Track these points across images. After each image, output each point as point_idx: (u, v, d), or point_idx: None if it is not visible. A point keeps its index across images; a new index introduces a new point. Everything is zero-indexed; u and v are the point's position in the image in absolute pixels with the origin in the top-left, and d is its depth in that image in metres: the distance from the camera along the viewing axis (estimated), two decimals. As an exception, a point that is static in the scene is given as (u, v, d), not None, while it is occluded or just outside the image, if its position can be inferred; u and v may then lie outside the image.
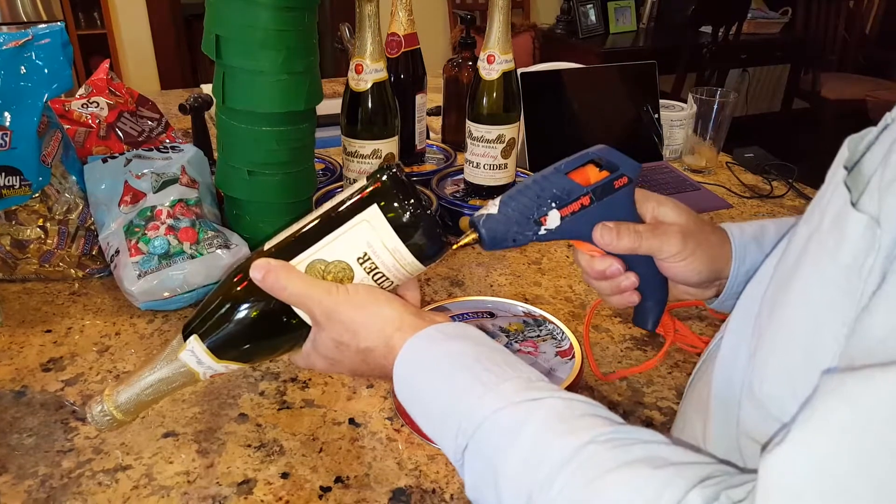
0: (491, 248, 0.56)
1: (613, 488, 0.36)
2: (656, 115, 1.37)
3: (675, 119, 1.40)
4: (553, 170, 0.56)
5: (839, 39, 4.06)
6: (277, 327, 0.55)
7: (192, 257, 0.84)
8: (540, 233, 0.55)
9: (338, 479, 0.63)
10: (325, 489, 0.62)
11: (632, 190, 0.57)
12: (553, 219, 0.55)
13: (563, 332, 0.76)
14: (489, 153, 1.04)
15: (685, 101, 1.43)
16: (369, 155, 0.96)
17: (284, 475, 0.64)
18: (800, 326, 0.38)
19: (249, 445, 0.67)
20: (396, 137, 0.97)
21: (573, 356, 0.72)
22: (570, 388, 0.65)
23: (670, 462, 0.36)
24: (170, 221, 0.85)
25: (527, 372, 0.46)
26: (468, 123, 1.04)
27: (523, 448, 0.40)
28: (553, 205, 0.55)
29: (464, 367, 0.46)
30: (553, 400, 0.43)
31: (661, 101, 1.39)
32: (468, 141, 1.05)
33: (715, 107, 1.33)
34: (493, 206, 0.55)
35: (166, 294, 0.83)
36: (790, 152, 1.42)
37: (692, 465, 0.36)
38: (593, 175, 0.57)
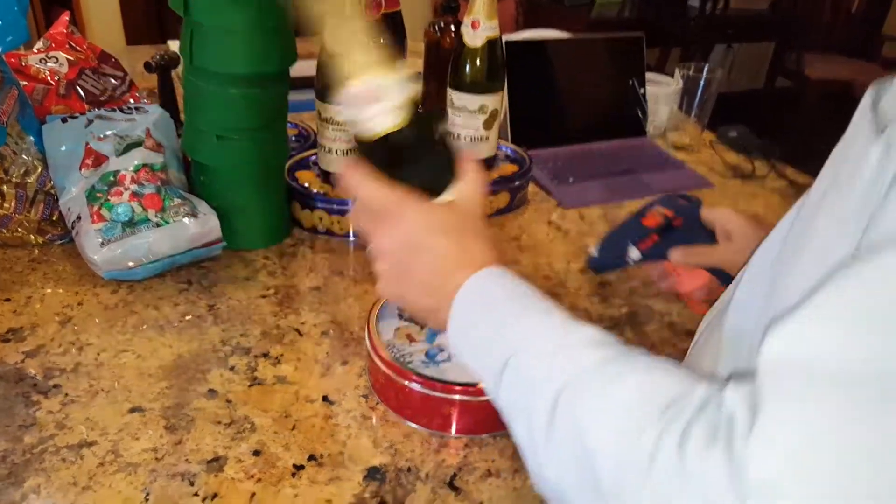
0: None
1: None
2: (642, 90, 1.35)
3: (661, 94, 1.38)
4: (633, 216, 0.77)
5: (825, 18, 4.06)
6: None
7: (158, 225, 0.80)
8: (629, 262, 0.76)
9: (311, 457, 0.61)
10: (298, 467, 0.60)
11: (692, 224, 0.76)
12: (634, 253, 0.75)
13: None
14: (471, 124, 1.01)
15: (671, 76, 1.41)
16: (345, 122, 0.92)
17: (256, 453, 0.61)
18: (820, 256, 0.38)
19: (219, 422, 0.64)
20: (375, 104, 0.94)
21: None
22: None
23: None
24: (134, 187, 0.81)
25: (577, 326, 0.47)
26: (449, 92, 1.01)
27: (557, 359, 0.42)
28: (631, 244, 0.75)
29: (510, 308, 0.48)
30: (589, 329, 0.44)
31: (647, 74, 1.36)
32: (449, 110, 1.02)
33: (701, 83, 1.32)
34: (594, 250, 0.79)
35: (130, 263, 0.79)
36: (772, 131, 1.42)
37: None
38: (661, 216, 0.76)
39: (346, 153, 0.94)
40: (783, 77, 4.34)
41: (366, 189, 0.52)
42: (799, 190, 1.24)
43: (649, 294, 0.89)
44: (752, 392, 0.32)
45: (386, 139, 0.51)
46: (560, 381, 0.41)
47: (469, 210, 0.53)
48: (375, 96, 0.50)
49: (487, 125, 1.01)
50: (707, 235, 0.75)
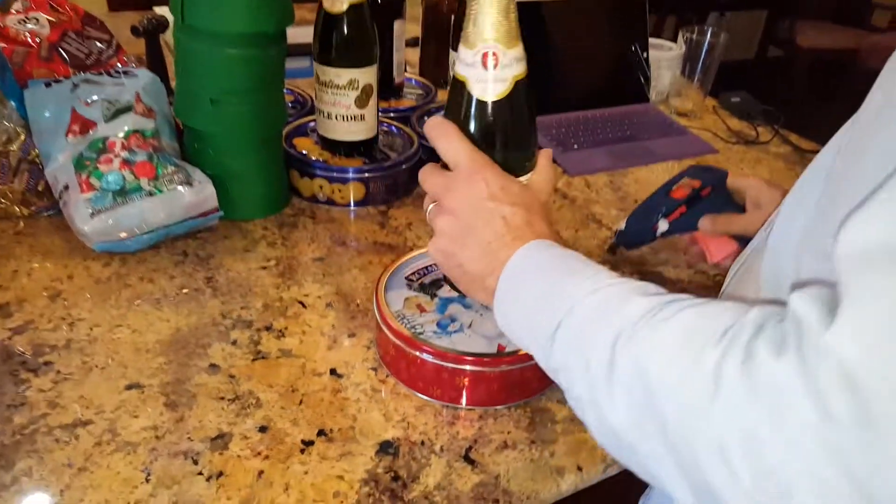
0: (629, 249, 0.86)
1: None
2: (645, 55, 1.31)
3: (664, 59, 1.34)
4: (661, 189, 0.80)
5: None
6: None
7: (151, 194, 0.76)
8: (658, 235, 0.79)
9: (321, 433, 0.58)
10: (308, 443, 0.57)
11: (720, 193, 0.77)
12: (663, 225, 0.78)
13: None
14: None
15: (673, 41, 1.37)
16: (345, 85, 0.88)
17: (262, 429, 0.58)
18: (881, 164, 0.36)
19: (223, 398, 0.61)
20: (375, 66, 0.90)
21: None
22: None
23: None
24: (124, 154, 0.77)
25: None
26: (452, 54, 0.97)
27: (611, 309, 0.41)
28: (660, 216, 0.78)
29: (565, 265, 0.47)
30: (638, 283, 0.44)
31: (650, 39, 1.33)
32: (451, 74, 0.98)
33: (705, 47, 1.28)
34: (622, 225, 0.83)
35: (123, 234, 0.76)
36: (766, 100, 1.39)
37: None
38: (689, 188, 0.77)
39: (346, 118, 0.90)
40: (775, 46, 4.31)
41: (452, 142, 0.53)
42: (804, 156, 1.22)
43: (659, 262, 0.86)
44: (826, 293, 0.32)
45: (485, 105, 0.53)
46: (615, 329, 0.40)
47: (539, 193, 0.55)
48: (496, 63, 0.51)
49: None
50: (734, 205, 0.76)
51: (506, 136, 0.54)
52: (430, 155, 0.99)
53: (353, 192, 0.91)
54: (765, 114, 1.33)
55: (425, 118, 1.08)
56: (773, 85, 3.89)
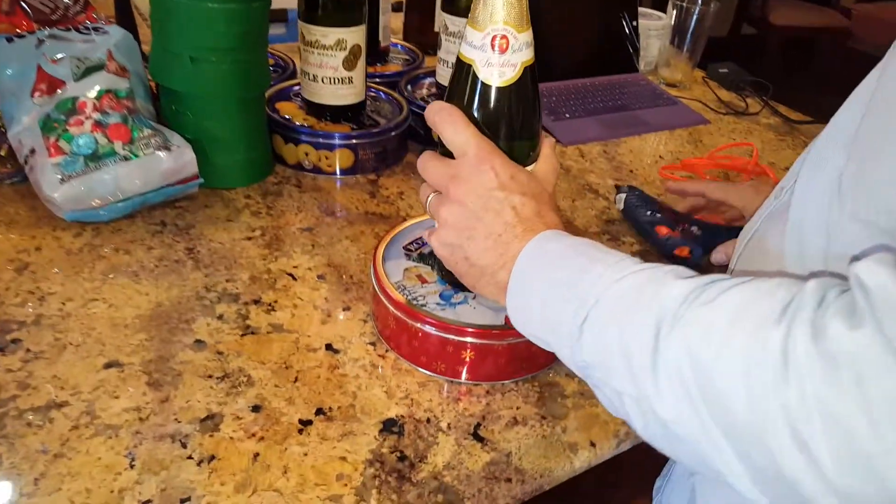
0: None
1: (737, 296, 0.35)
2: (634, 23, 1.27)
3: (653, 29, 1.31)
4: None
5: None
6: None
7: (126, 159, 0.71)
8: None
9: (319, 411, 0.54)
10: (305, 422, 0.53)
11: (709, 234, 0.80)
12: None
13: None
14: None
15: (662, 11, 1.34)
16: (333, 46, 0.83)
17: (255, 408, 0.54)
18: None
19: (210, 376, 0.57)
20: (364, 26, 0.85)
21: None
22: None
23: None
24: (97, 116, 0.71)
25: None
26: (444, 17, 0.92)
27: (645, 295, 0.39)
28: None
29: (581, 253, 0.45)
30: (668, 266, 0.41)
31: (639, 9, 1.29)
32: (443, 37, 0.94)
33: (694, 16, 1.25)
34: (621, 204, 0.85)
35: (95, 202, 0.70)
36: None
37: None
38: (686, 250, 0.77)
39: (333, 81, 0.85)
40: (748, 24, 4.32)
41: (459, 129, 0.49)
42: (794, 127, 1.20)
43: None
44: (891, 259, 0.31)
45: (493, 90, 0.50)
46: (654, 316, 0.37)
47: (545, 183, 0.53)
48: (506, 47, 0.49)
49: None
50: (724, 231, 0.78)
51: (512, 124, 0.52)
52: (422, 124, 0.95)
53: (341, 159, 0.86)
54: (753, 85, 1.31)
55: (417, 83, 1.03)
56: (748, 62, 3.91)
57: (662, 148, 1.07)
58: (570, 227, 0.82)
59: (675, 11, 1.27)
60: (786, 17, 3.89)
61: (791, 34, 3.93)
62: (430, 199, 0.53)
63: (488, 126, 0.51)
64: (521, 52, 0.49)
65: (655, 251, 0.79)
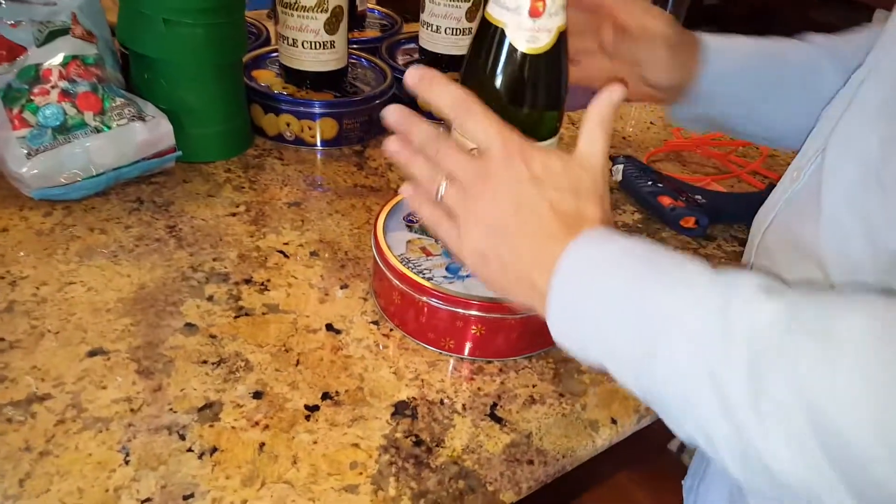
0: None
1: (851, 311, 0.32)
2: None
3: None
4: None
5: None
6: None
7: (98, 131, 0.66)
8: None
9: (325, 396, 0.51)
10: (312, 408, 0.50)
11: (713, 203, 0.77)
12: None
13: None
14: (452, 14, 0.88)
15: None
16: (314, 7, 0.78)
17: (257, 395, 0.51)
18: None
19: (205, 362, 0.53)
20: (346, -14, 0.80)
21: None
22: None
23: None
24: (63, 84, 0.65)
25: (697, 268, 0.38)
26: (426, -24, 0.88)
27: (729, 319, 0.34)
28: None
29: (636, 257, 0.39)
30: (746, 276, 0.36)
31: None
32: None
33: (676, -20, 1.22)
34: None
35: (65, 178, 0.65)
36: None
37: None
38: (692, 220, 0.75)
39: (314, 46, 0.81)
40: (710, -6, 4.33)
41: (481, 122, 0.43)
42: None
43: (658, 199, 0.82)
44: None
45: (525, 57, 0.46)
46: (748, 348, 0.32)
47: (592, 167, 0.44)
48: (543, 9, 0.44)
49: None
50: (730, 199, 0.78)
51: (543, 94, 0.48)
52: (407, 92, 0.90)
53: (324, 129, 0.82)
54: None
55: (398, 48, 0.99)
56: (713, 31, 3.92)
57: (653, 114, 1.05)
58: (567, 196, 0.80)
59: (656, -25, 1.24)
60: (748, -13, 3.91)
61: (753, 3, 3.95)
62: (443, 188, 0.45)
63: (515, 96, 0.47)
64: (557, 17, 0.45)
65: (659, 221, 0.77)
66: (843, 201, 0.44)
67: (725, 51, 0.59)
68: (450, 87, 0.44)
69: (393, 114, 0.46)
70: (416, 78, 0.44)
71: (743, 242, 0.74)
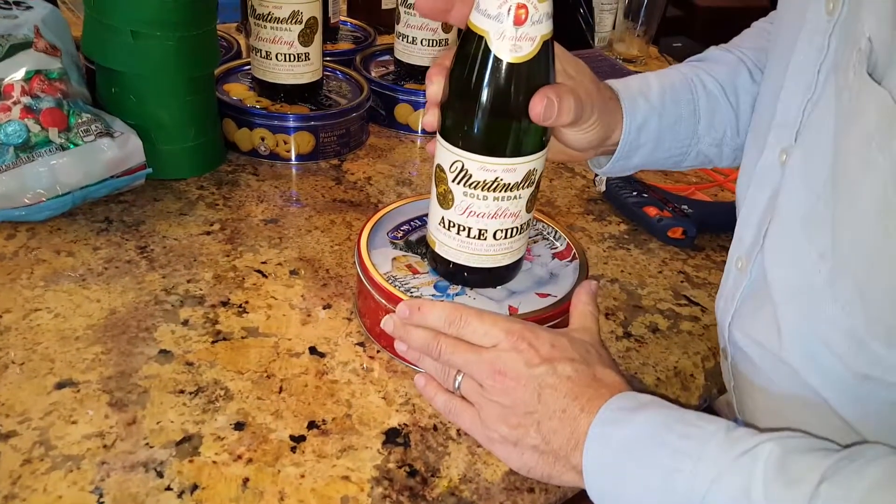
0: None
1: None
2: (588, -3, 1.24)
3: (606, 3, 1.28)
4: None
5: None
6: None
7: (63, 149, 0.62)
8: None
9: (312, 425, 0.48)
10: (298, 438, 0.47)
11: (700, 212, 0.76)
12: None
13: (555, 232, 0.63)
14: (428, 25, 0.87)
15: (613, -17, 1.31)
16: (288, 18, 0.76)
17: (238, 426, 0.48)
18: None
19: (182, 391, 0.50)
20: (320, -3, 0.78)
21: (573, 257, 0.61)
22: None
23: None
24: (26, 100, 0.62)
25: (714, 422, 0.40)
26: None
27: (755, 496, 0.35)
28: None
29: (662, 444, 0.40)
30: (763, 446, 0.37)
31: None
32: (402, 10, 0.88)
33: (648, -12, 1.23)
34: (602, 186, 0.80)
35: (28, 198, 0.62)
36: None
37: None
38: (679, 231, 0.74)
39: (288, 58, 0.78)
40: (673, 6, 4.40)
41: (483, 322, 0.47)
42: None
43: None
44: None
45: (508, 66, 0.45)
46: None
47: (593, 337, 0.49)
48: (526, 17, 0.43)
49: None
50: (717, 208, 0.77)
51: (526, 105, 0.46)
52: (383, 104, 0.89)
53: (300, 143, 0.79)
54: (709, 59, 1.30)
55: (372, 61, 0.97)
56: (677, 41, 3.98)
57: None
58: (552, 208, 0.78)
59: (628, -16, 1.24)
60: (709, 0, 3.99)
61: (714, 15, 4.03)
62: (459, 381, 0.47)
63: (499, 107, 0.46)
64: (540, 25, 0.44)
65: (645, 231, 0.76)
66: (797, 313, 0.44)
67: (636, 99, 0.56)
68: (436, 305, 0.48)
69: (388, 325, 0.51)
70: (405, 315, 0.49)
71: (729, 253, 0.74)
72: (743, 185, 0.52)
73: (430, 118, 0.50)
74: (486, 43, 0.44)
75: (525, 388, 0.44)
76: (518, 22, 0.43)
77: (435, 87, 0.49)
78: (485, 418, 0.46)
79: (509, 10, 0.43)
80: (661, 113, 0.57)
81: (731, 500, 0.36)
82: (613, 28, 1.32)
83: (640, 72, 1.21)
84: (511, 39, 0.44)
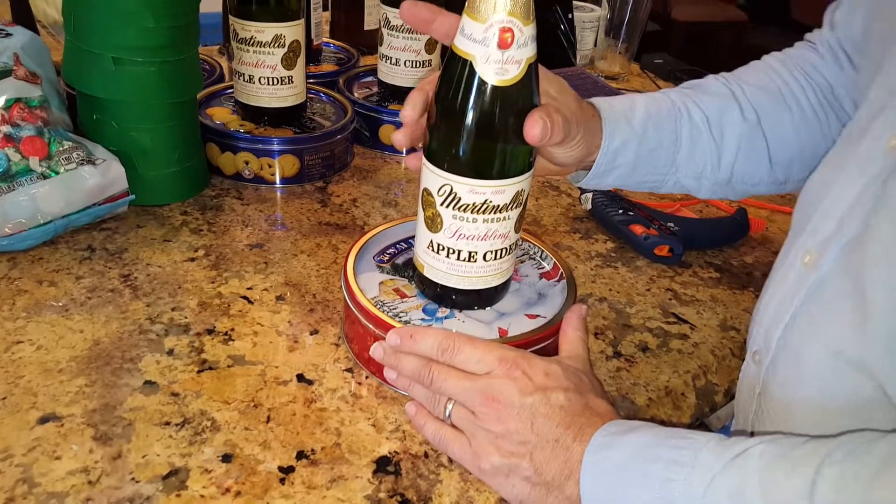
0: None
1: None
2: (570, 16, 1.25)
3: (587, 20, 1.29)
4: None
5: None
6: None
7: (45, 177, 0.62)
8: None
9: (301, 455, 0.48)
10: (287, 469, 0.47)
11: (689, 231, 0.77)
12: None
13: (541, 252, 0.63)
14: (412, 46, 0.87)
15: (594, 3, 1.33)
16: (270, 42, 0.76)
17: (226, 458, 0.47)
18: None
19: (168, 423, 0.49)
20: (303, 21, 0.78)
21: (560, 277, 0.60)
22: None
23: None
24: (6, 129, 0.61)
25: (706, 434, 0.41)
26: (384, 10, 0.86)
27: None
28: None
29: (656, 458, 0.40)
30: (756, 448, 0.37)
31: (573, 1, 1.27)
32: (385, 32, 0.88)
33: (630, 6, 1.24)
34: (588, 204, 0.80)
35: (9, 228, 0.61)
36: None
37: None
38: (666, 249, 0.74)
39: (271, 81, 0.78)
40: (652, 21, 4.46)
41: (477, 348, 0.47)
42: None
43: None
44: None
45: (494, 89, 0.45)
46: None
47: (584, 365, 0.50)
48: (511, 41, 0.44)
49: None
50: (702, 225, 0.78)
51: (514, 128, 0.46)
52: (368, 126, 0.89)
53: (285, 166, 0.79)
54: (690, 73, 1.32)
55: (355, 82, 0.97)
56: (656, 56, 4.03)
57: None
58: (538, 227, 0.78)
59: (609, 2, 1.25)
60: (687, 14, 4.04)
61: (692, 29, 4.08)
62: (450, 410, 0.47)
63: (486, 130, 0.46)
64: (525, 48, 0.44)
65: (632, 249, 0.76)
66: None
67: (619, 121, 0.56)
68: (428, 333, 0.48)
69: (377, 353, 0.51)
70: (397, 342, 0.49)
71: (718, 269, 0.74)
72: (829, 174, 0.48)
73: (399, 136, 0.51)
74: (471, 67, 0.44)
75: (518, 417, 0.44)
76: (503, 46, 0.44)
77: (409, 110, 0.49)
78: (476, 447, 0.45)
79: (494, 34, 0.43)
80: (640, 139, 0.57)
81: (729, 499, 0.36)
82: (595, 45, 1.34)
83: (622, 89, 1.23)
84: (497, 63, 0.44)
